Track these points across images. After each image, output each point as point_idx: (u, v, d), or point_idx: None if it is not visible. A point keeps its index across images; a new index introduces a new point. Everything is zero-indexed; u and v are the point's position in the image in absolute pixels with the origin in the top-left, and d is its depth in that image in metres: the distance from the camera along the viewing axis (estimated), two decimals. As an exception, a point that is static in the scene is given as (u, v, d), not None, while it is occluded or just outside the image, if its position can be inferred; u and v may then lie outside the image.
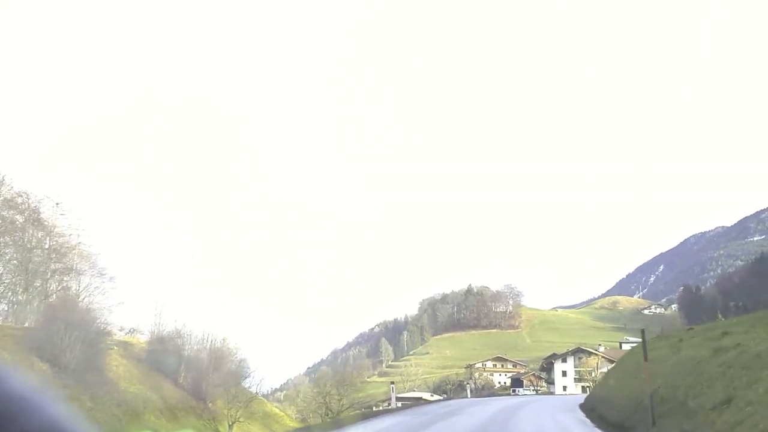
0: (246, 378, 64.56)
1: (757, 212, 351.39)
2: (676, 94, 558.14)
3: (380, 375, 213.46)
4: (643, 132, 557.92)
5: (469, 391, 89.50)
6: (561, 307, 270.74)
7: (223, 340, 64.44)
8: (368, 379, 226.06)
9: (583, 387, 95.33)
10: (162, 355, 53.70)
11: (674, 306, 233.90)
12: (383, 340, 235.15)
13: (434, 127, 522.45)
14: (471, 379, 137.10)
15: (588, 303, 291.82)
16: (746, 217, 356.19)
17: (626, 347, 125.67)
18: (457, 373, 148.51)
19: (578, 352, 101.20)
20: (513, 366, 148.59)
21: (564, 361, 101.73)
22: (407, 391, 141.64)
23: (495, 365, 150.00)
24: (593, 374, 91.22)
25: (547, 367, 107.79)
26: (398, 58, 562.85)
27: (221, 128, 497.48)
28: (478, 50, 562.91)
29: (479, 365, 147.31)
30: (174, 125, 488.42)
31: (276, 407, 76.77)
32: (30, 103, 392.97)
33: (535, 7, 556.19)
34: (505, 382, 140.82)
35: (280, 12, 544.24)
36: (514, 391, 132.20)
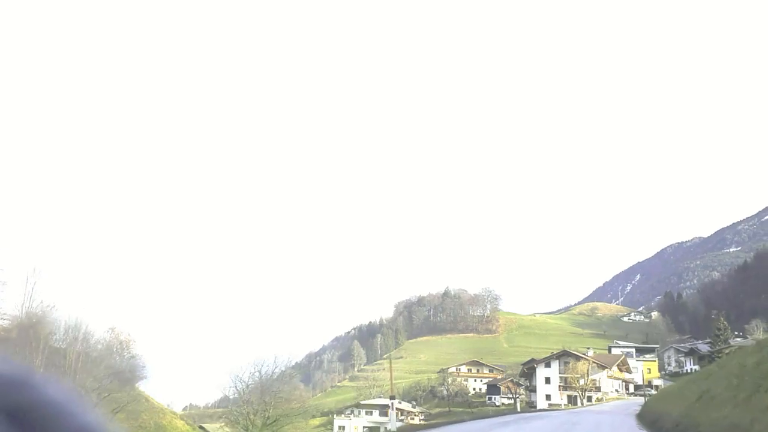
0: (141, 380, 47.60)
1: (733, 224, 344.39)
2: (657, 107, 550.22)
3: (351, 379, 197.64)
4: (624, 143, 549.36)
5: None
6: (539, 314, 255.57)
7: (112, 330, 47.57)
8: (339, 384, 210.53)
9: (570, 397, 79.42)
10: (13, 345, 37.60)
11: (654, 313, 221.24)
12: (356, 343, 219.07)
13: (412, 129, 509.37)
14: (444, 385, 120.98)
15: (566, 309, 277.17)
16: (723, 228, 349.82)
17: (616, 351, 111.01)
18: (429, 378, 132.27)
19: (564, 356, 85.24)
20: (489, 371, 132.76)
21: (548, 365, 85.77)
22: (373, 398, 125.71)
23: (470, 370, 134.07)
24: (582, 381, 75.39)
25: (528, 372, 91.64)
26: (363, 50, 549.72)
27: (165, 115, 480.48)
28: (442, 49, 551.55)
29: (453, 370, 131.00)
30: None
31: (183, 420, 59.60)
32: None
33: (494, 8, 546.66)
34: (480, 389, 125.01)
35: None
36: (489, 398, 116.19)
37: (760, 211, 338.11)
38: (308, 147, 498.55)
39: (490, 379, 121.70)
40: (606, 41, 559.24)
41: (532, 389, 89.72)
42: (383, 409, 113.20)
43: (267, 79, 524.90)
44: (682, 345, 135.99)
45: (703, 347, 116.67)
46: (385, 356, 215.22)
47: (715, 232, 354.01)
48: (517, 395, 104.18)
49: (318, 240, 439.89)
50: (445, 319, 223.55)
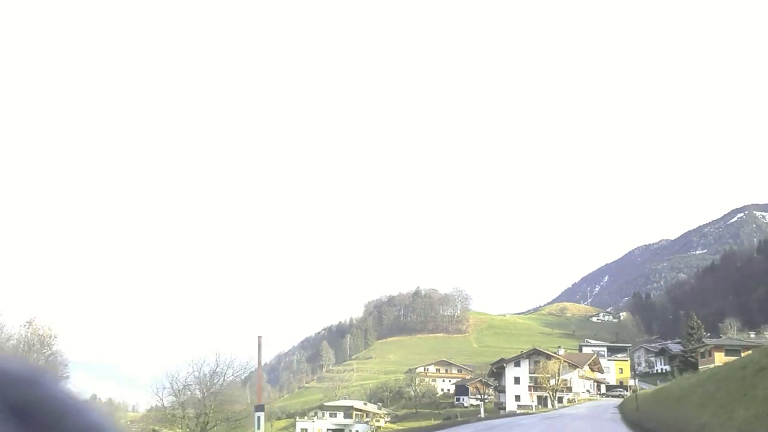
0: (61, 380, 40.52)
1: (699, 226, 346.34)
2: (625, 112, 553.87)
3: (319, 380, 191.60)
4: (592, 148, 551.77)
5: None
6: (509, 314, 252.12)
7: (29, 324, 41.28)
8: (306, 385, 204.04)
9: (540, 398, 74.81)
10: None
11: (623, 314, 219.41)
12: (324, 343, 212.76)
13: (379, 129, 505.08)
14: (411, 386, 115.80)
15: (536, 310, 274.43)
16: (689, 231, 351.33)
17: (587, 351, 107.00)
18: (396, 379, 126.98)
19: (534, 354, 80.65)
20: (458, 371, 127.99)
21: (517, 365, 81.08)
22: (338, 399, 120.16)
23: (438, 370, 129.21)
24: (553, 381, 70.82)
25: (497, 372, 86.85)
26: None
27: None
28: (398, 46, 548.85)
29: (421, 370, 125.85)
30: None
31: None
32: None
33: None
34: (449, 389, 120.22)
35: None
36: (458, 399, 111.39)
37: (725, 214, 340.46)
38: (274, 147, 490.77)
39: (459, 380, 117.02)
40: (570, 50, 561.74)
41: (501, 390, 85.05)
42: (348, 411, 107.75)
43: (245, 73, 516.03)
44: (652, 345, 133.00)
45: (675, 347, 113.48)
46: (354, 357, 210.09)
47: (682, 235, 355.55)
48: (486, 396, 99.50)
49: (289, 240, 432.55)
50: (416, 319, 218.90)
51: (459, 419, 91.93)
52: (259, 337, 19.90)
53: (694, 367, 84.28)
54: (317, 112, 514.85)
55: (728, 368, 21.17)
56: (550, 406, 66.22)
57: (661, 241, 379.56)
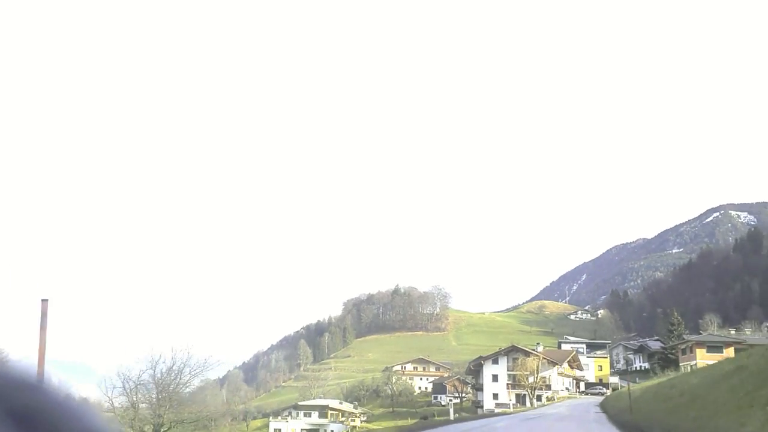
0: None
1: (676, 226, 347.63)
2: (603, 112, 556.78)
3: (297, 379, 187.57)
4: (572, 148, 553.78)
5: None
6: (488, 312, 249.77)
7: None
8: (283, 384, 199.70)
9: (518, 396, 72.03)
10: None
11: (601, 311, 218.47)
12: (302, 342, 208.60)
13: (356, 126, 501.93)
14: (388, 384, 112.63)
15: (515, 308, 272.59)
16: (666, 230, 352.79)
17: (566, 347, 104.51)
18: (373, 378, 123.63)
19: (513, 351, 77.87)
20: (436, 369, 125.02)
21: (495, 362, 78.23)
22: (314, 398, 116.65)
23: (416, 368, 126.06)
24: (532, 379, 68.04)
25: (475, 369, 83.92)
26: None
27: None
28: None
29: (398, 368, 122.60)
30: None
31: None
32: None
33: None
34: (426, 388, 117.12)
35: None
36: (435, 398, 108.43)
37: (701, 214, 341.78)
38: (254, 146, 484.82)
39: (437, 378, 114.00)
40: (551, 53, 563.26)
41: (479, 388, 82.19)
42: (323, 411, 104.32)
43: (233, 69, 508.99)
44: (630, 342, 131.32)
45: (654, 344, 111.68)
46: (332, 355, 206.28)
47: (659, 234, 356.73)
48: (464, 394, 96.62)
49: (269, 238, 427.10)
50: (395, 317, 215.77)
51: (437, 418, 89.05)
52: (44, 300, 15.93)
53: (675, 364, 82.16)
54: (295, 110, 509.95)
55: (761, 357, 17.80)
56: (528, 404, 63.43)
57: (638, 240, 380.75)
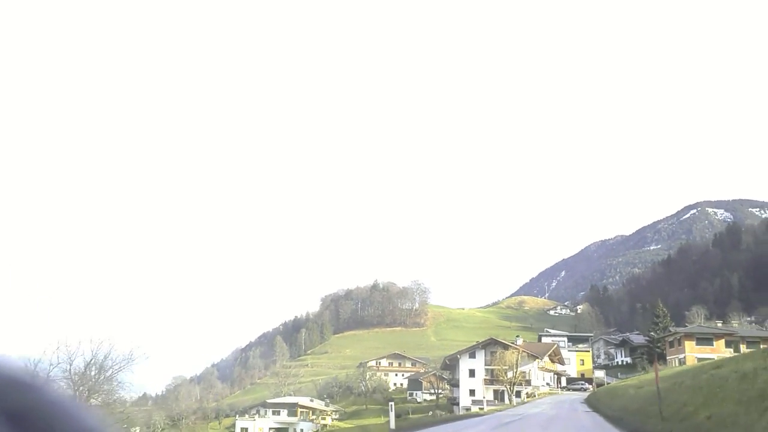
0: None
1: (653, 222, 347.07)
2: (582, 110, 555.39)
3: (272, 376, 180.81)
4: (550, 145, 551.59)
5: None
6: (468, 308, 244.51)
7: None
8: (258, 381, 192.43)
9: (496, 392, 65.99)
10: None
11: (580, 306, 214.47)
12: (278, 338, 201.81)
13: (334, 119, 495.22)
14: (362, 381, 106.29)
15: (494, 304, 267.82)
16: (644, 227, 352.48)
17: (547, 341, 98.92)
18: (348, 374, 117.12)
19: (491, 345, 71.83)
20: (412, 365, 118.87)
21: (472, 356, 72.18)
22: (284, 396, 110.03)
23: (391, 364, 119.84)
24: (511, 374, 62.05)
25: (451, 364, 77.78)
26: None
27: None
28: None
29: (373, 364, 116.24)
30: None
31: None
32: None
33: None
34: (401, 384, 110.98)
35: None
36: (411, 394, 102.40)
37: (678, 211, 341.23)
38: (231, 140, 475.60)
39: (413, 374, 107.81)
40: (528, 49, 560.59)
41: (454, 384, 76.09)
42: (292, 409, 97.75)
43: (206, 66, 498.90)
44: (612, 337, 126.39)
45: (636, 338, 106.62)
46: (309, 351, 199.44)
47: (637, 231, 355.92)
48: (440, 390, 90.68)
49: (251, 234, 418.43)
50: (373, 313, 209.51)
51: (410, 416, 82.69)
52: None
53: (661, 357, 76.76)
54: (270, 104, 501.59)
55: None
56: (507, 401, 57.38)
57: (616, 236, 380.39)
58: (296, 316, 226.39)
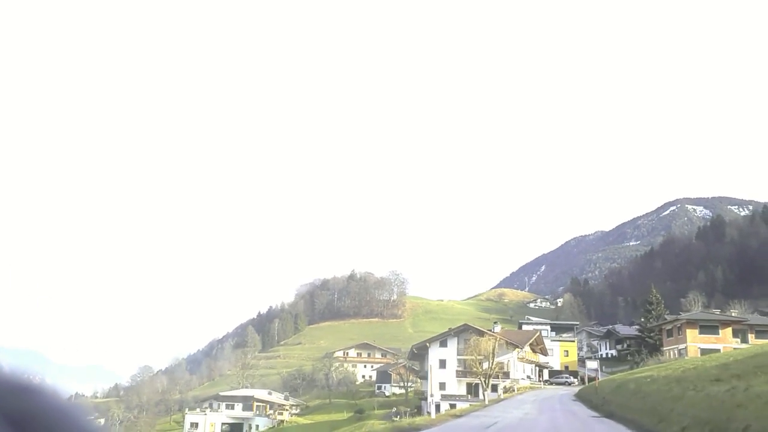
0: None
1: (633, 219, 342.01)
2: (564, 108, 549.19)
3: (243, 367, 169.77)
4: (531, 142, 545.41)
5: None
6: (447, 300, 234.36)
7: None
8: (228, 372, 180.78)
9: (470, 386, 55.25)
10: None
11: (560, 300, 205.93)
12: (250, 329, 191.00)
13: (309, 106, 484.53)
14: (328, 373, 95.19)
15: (474, 297, 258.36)
16: (624, 223, 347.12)
17: (528, 328, 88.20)
18: (313, 366, 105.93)
19: (465, 332, 61.02)
20: (382, 356, 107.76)
21: (444, 344, 61.59)
22: (241, 388, 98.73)
23: (360, 354, 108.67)
24: (486, 365, 51.28)
25: (419, 353, 66.80)
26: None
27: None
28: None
29: (340, 354, 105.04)
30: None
31: None
32: None
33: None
34: (370, 376, 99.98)
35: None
36: (379, 388, 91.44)
37: (658, 208, 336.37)
38: (206, 131, 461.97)
39: (382, 365, 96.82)
40: (514, 47, 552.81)
41: (423, 376, 65.29)
42: (248, 402, 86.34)
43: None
44: (595, 329, 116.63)
45: (623, 329, 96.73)
46: (282, 343, 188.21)
47: (616, 227, 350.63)
48: (410, 383, 79.89)
49: (231, 225, 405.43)
50: (350, 304, 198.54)
51: (376, 412, 71.38)
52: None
53: (655, 348, 66.55)
54: (247, 93, 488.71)
55: None
56: (482, 397, 46.51)
57: (596, 232, 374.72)
58: (271, 307, 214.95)
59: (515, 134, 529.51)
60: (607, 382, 32.08)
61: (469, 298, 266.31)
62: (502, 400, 42.48)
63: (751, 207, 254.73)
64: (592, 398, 27.35)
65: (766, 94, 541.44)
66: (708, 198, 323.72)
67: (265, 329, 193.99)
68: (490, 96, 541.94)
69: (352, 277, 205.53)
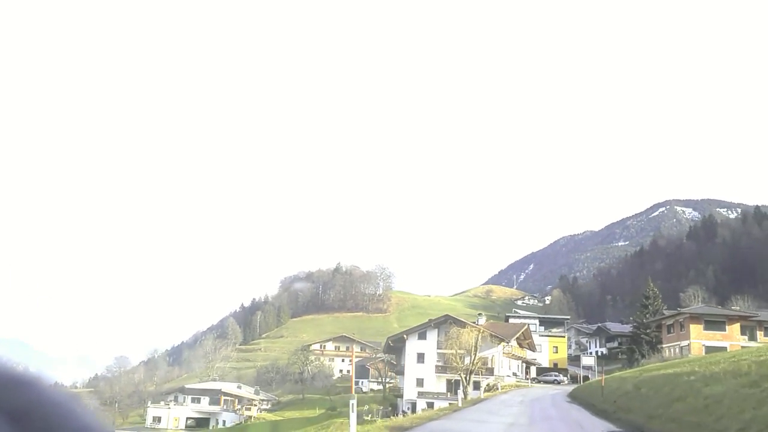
0: None
1: (622, 219, 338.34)
2: (556, 108, 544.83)
3: (223, 360, 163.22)
4: (522, 140, 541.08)
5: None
6: (434, 295, 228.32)
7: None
8: (207, 365, 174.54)
9: (450, 382, 48.96)
10: None
11: (548, 297, 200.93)
12: (231, 320, 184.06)
13: (294, 98, 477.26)
14: (302, 366, 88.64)
15: (461, 293, 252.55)
16: (613, 223, 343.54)
17: (515, 322, 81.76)
18: (289, 360, 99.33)
19: (446, 323, 54.71)
20: (361, 349, 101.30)
21: (422, 337, 55.35)
22: (209, 380, 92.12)
23: (338, 348, 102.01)
24: (468, 360, 44.94)
25: (395, 346, 60.38)
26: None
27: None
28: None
29: (317, 347, 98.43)
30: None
31: None
32: None
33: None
34: (348, 370, 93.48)
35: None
36: (357, 383, 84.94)
37: (647, 208, 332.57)
38: (181, 119, 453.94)
39: (360, 359, 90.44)
40: (503, 45, 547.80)
41: (400, 371, 58.91)
42: (215, 396, 79.62)
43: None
44: (584, 326, 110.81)
45: (614, 326, 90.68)
46: (264, 335, 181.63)
47: (606, 227, 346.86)
48: (388, 379, 73.55)
49: (218, 216, 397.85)
50: (335, 297, 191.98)
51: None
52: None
53: (652, 345, 60.41)
54: (226, 84, 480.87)
55: None
56: (461, 396, 40.23)
57: (585, 232, 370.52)
58: (254, 299, 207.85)
59: (507, 132, 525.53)
60: (614, 382, 25.88)
61: (456, 294, 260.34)
62: (482, 400, 36.25)
63: (740, 210, 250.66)
64: (596, 402, 21.30)
65: (756, 98, 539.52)
66: (697, 200, 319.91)
67: (248, 321, 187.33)
68: (481, 93, 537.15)
69: (337, 270, 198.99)
